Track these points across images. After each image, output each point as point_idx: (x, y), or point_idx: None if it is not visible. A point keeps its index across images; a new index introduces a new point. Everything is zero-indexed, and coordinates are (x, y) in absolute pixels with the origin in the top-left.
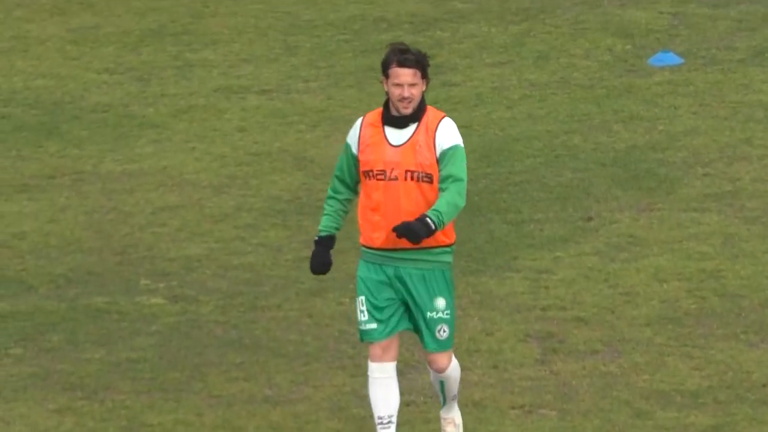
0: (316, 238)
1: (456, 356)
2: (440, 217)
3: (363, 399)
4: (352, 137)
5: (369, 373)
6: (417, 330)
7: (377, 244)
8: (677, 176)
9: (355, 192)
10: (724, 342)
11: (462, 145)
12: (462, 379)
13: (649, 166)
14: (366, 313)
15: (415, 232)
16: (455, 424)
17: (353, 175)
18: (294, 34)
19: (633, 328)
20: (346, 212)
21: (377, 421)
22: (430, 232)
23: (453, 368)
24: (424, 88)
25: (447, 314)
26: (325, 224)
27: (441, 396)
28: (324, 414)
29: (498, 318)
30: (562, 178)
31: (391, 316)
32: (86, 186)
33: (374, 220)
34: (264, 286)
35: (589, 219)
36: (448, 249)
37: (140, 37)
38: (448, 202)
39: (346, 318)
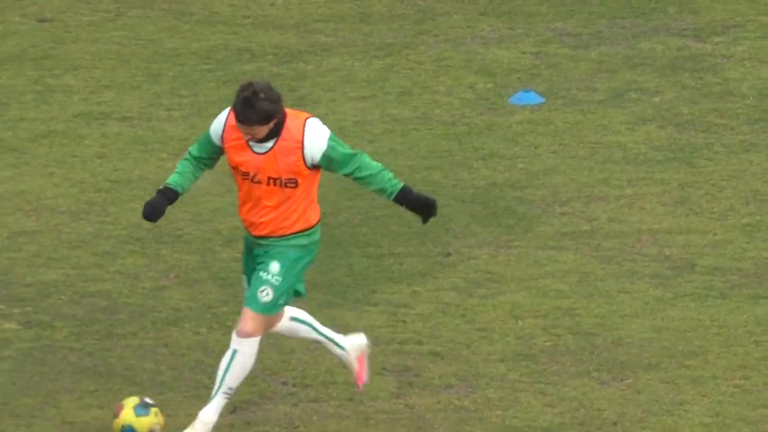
0: (161, 187)
1: (312, 389)
2: (390, 181)
3: (218, 429)
4: (216, 132)
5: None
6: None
7: (247, 228)
8: (536, 214)
9: (210, 166)
10: (576, 379)
11: (329, 135)
12: (318, 411)
13: (508, 203)
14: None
15: (429, 207)
16: (209, 424)
17: (211, 156)
18: (157, 62)
19: (488, 363)
20: (196, 178)
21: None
22: (429, 199)
23: (250, 347)
24: (271, 124)
25: (277, 281)
26: (173, 179)
27: (217, 383)
28: None
29: None
30: None
31: None
32: None
33: (242, 208)
34: (120, 314)
35: (448, 255)
36: (304, 233)
37: (0, 60)
38: (374, 172)
39: (202, 348)
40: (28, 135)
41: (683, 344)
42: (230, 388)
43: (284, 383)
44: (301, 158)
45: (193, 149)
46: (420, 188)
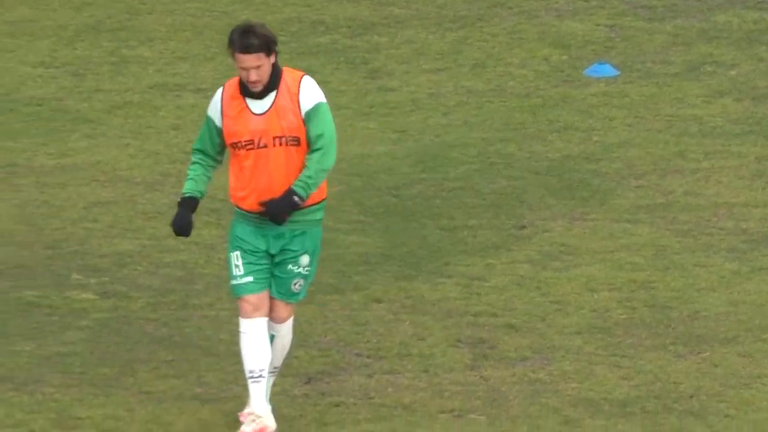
0: (179, 199)
1: (386, 360)
2: (308, 187)
3: (293, 399)
4: (214, 110)
5: (240, 329)
6: (275, 283)
7: (250, 207)
8: (610, 187)
9: (218, 161)
10: (652, 352)
11: (324, 101)
12: (392, 383)
13: (582, 176)
14: (241, 267)
15: (280, 215)
16: (259, 418)
17: (215, 146)
18: None
19: (563, 336)
20: (209, 178)
21: (248, 374)
22: (297, 208)
23: (289, 327)
24: (273, 61)
25: (307, 270)
26: (188, 187)
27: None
28: None
29: (430, 323)
30: (496, 186)
31: (264, 271)
32: (18, 179)
33: (248, 186)
34: (196, 285)
35: (522, 227)
36: (318, 206)
37: (76, 32)
38: (317, 167)
39: None
40: (104, 106)
41: (760, 318)
42: (275, 368)
43: (358, 355)
44: (298, 110)
45: (197, 144)
46: (493, 160)
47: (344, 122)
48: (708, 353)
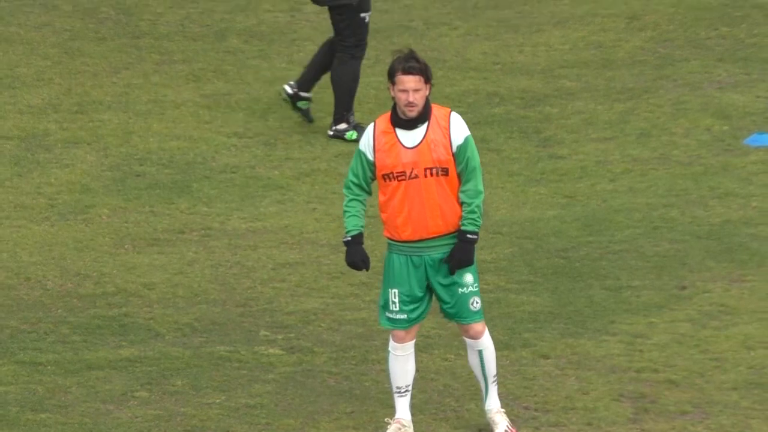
0: (349, 238)
1: (552, 413)
2: (475, 221)
3: None
4: (366, 145)
5: (390, 350)
6: (448, 306)
7: (405, 237)
8: None
9: (369, 193)
10: None
11: (470, 134)
12: None
13: (741, 240)
14: (398, 304)
15: (467, 260)
16: (502, 412)
17: (368, 179)
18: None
19: (721, 391)
20: (365, 210)
21: (395, 390)
22: (475, 243)
23: (488, 338)
24: (427, 93)
25: (476, 287)
26: (353, 224)
27: (482, 379)
28: None
29: (594, 378)
30: (659, 249)
31: (420, 308)
32: (213, 241)
33: (401, 216)
34: (375, 341)
35: (683, 288)
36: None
37: (268, 104)
38: (476, 202)
39: (450, 373)
40: (293, 173)
41: None
42: (494, 375)
43: (526, 408)
44: (449, 144)
45: (350, 178)
46: (657, 225)
47: (516, 188)
48: None
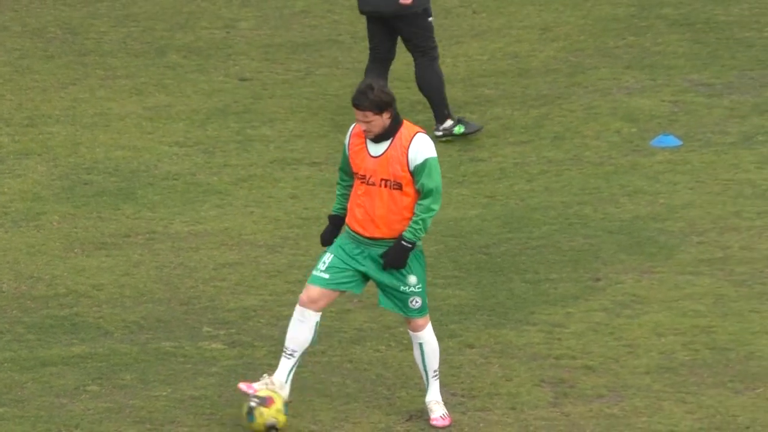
0: (330, 215)
1: (478, 399)
2: (416, 232)
3: None
4: (346, 141)
5: (294, 313)
6: (392, 301)
7: (355, 228)
8: (675, 243)
9: (354, 178)
10: (713, 389)
11: (434, 156)
12: (483, 419)
13: (650, 234)
14: (326, 264)
15: (398, 263)
16: (440, 403)
17: (349, 169)
18: (341, 114)
19: (634, 376)
20: (348, 195)
21: (283, 349)
22: (411, 250)
23: (430, 333)
24: (386, 118)
25: (418, 288)
26: (337, 206)
27: (423, 373)
28: None
29: (516, 365)
30: (574, 243)
31: (343, 279)
32: (157, 244)
33: (358, 211)
34: None
35: (598, 280)
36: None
37: (207, 115)
38: (423, 216)
39: (382, 363)
40: (231, 179)
41: None
42: (435, 370)
43: (453, 394)
44: (406, 163)
45: (340, 164)
46: (572, 221)
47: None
48: (762, 389)
